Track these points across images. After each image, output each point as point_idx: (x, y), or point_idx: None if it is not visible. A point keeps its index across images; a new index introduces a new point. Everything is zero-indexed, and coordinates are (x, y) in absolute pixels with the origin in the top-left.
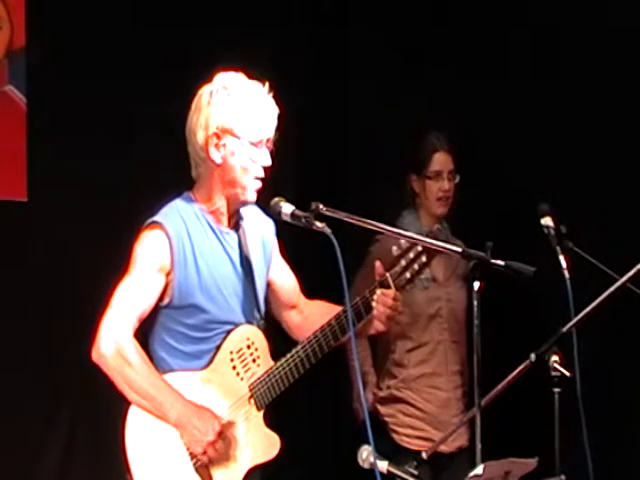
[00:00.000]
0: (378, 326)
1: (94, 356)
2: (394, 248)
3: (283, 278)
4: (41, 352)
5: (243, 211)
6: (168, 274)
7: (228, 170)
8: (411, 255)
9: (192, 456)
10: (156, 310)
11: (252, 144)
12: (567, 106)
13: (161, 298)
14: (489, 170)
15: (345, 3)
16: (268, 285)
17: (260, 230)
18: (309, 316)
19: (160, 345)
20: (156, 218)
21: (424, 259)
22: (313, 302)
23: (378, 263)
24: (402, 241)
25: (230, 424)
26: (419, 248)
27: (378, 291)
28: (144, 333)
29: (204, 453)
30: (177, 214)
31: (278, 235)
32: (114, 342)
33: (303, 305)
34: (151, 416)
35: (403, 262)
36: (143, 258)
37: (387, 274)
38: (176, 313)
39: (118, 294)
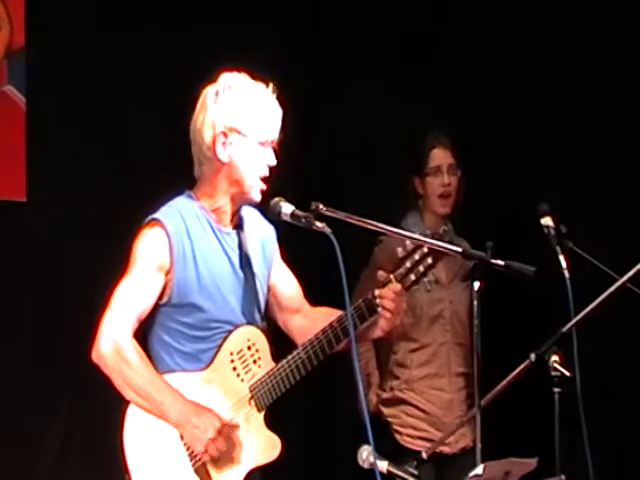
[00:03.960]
0: (383, 325)
1: (94, 357)
2: (399, 250)
3: (285, 283)
4: (39, 352)
5: (244, 213)
6: (167, 273)
7: (234, 168)
8: (416, 257)
9: (191, 457)
10: (155, 309)
11: (259, 143)
12: (567, 106)
13: (160, 297)
14: (489, 170)
15: (345, 3)
16: (270, 289)
17: (260, 233)
18: (313, 320)
19: (159, 344)
20: (156, 215)
21: (430, 261)
22: (318, 308)
23: (380, 272)
24: (407, 242)
25: (231, 424)
26: (425, 250)
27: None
28: (143, 333)
29: (205, 451)
30: (177, 212)
31: (279, 239)
32: (113, 342)
33: (307, 310)
34: (150, 417)
35: (408, 263)
36: (142, 257)
37: (391, 275)
38: (174, 311)
39: (117, 294)
